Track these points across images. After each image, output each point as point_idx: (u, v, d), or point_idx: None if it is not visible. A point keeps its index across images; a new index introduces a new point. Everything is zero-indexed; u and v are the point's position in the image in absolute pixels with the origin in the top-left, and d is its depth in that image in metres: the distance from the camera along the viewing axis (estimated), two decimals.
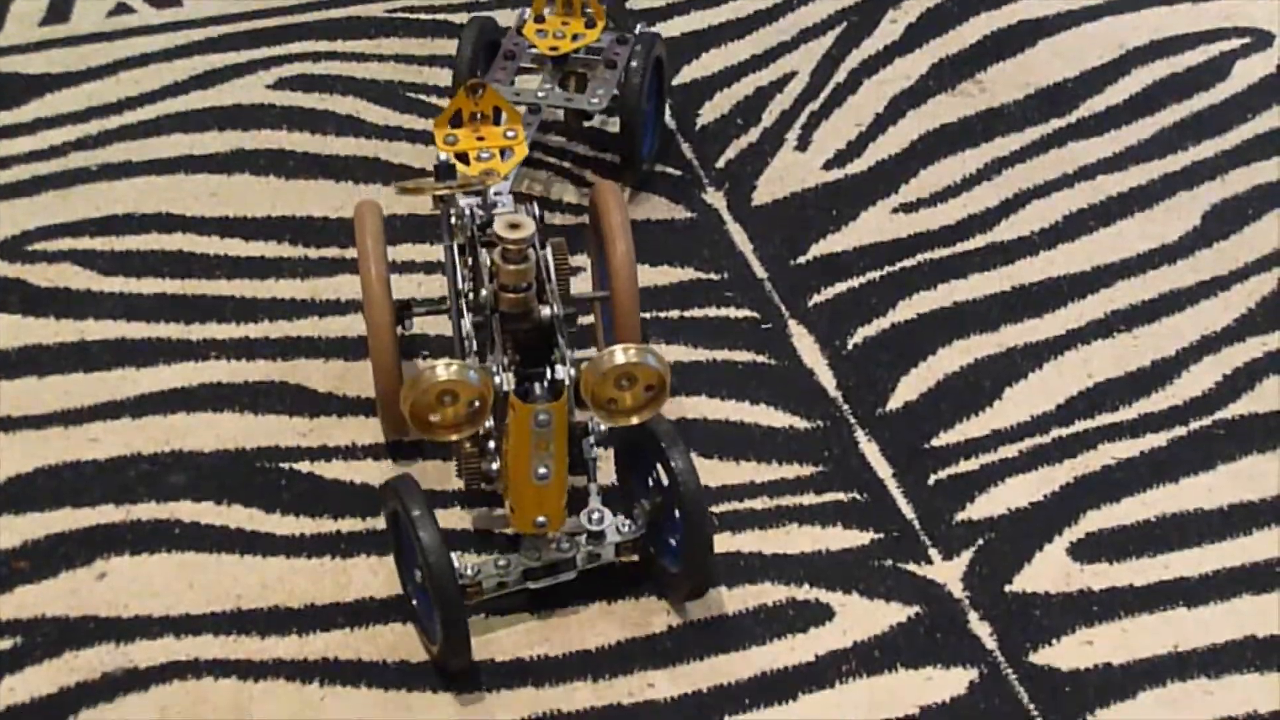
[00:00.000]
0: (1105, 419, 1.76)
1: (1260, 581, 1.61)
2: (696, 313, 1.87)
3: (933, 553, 1.63)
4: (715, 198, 2.04)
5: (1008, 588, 1.60)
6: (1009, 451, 1.73)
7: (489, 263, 1.51)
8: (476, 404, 1.41)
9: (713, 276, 1.92)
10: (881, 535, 1.65)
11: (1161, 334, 1.86)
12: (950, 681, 1.52)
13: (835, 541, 1.64)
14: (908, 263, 1.95)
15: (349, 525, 1.62)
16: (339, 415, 1.73)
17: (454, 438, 1.43)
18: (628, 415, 1.45)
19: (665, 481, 1.51)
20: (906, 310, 1.89)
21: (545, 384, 1.46)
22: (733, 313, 1.88)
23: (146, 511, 1.63)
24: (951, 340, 1.85)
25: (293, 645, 1.52)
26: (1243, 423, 1.76)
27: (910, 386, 1.80)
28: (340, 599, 1.56)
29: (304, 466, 1.68)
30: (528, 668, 1.51)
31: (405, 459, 1.68)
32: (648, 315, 1.82)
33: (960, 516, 1.67)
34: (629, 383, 1.43)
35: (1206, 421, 1.76)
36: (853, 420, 1.76)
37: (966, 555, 1.63)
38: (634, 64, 1.93)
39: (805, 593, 1.59)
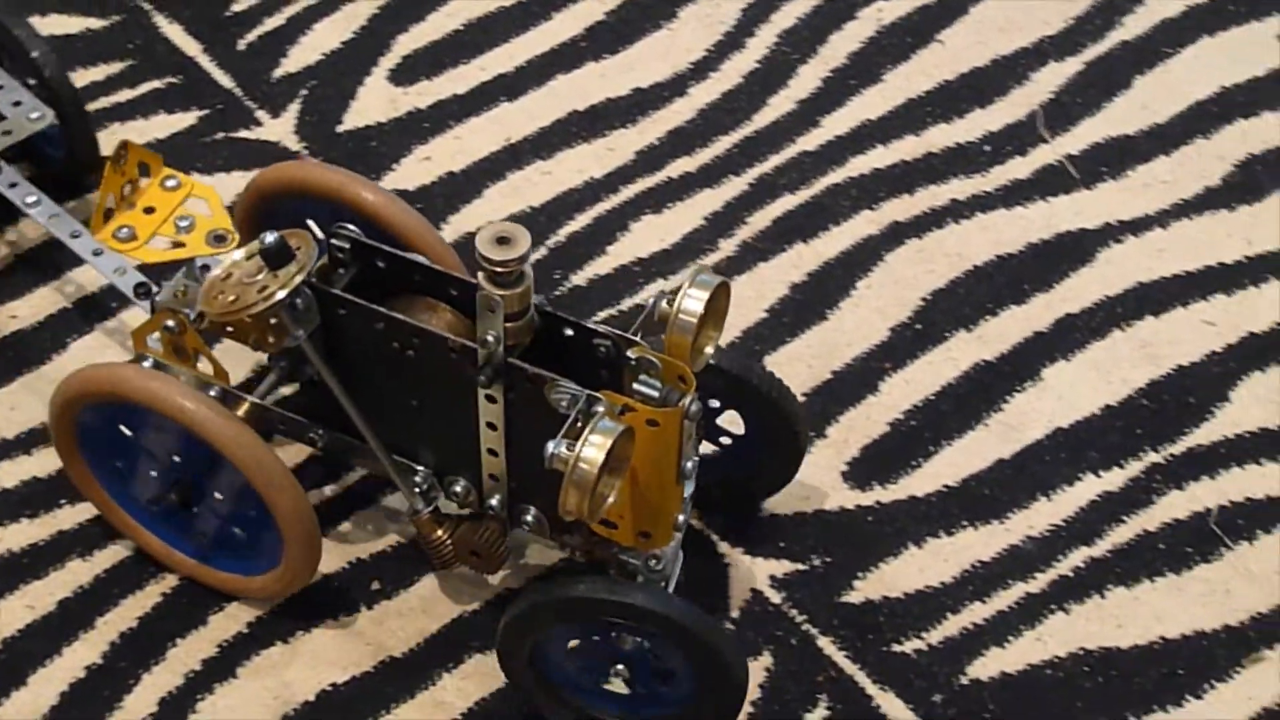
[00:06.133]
0: None
1: (567, 60, 1.69)
2: None
3: (260, 114, 1.64)
4: None
5: (339, 128, 1.62)
6: None
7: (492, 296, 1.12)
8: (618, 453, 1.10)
9: None
10: (207, 111, 1.64)
11: None
12: None
13: (162, 129, 1.61)
14: None
15: None
16: None
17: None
18: (702, 354, 1.17)
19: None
20: None
21: (650, 377, 1.14)
22: None
23: None
24: None
25: None
26: None
27: None
28: None
29: None
30: None
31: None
32: None
33: (278, 73, 1.67)
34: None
35: None
36: (148, 6, 1.71)
37: (293, 108, 1.64)
38: (34, 51, 1.47)
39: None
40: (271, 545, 1.26)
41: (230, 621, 1.30)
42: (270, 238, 1.16)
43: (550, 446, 1.07)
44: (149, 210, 1.34)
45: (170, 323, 1.26)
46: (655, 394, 1.13)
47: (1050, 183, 1.60)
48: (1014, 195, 1.59)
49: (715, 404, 1.31)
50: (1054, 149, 1.63)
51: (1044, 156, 1.62)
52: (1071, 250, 1.55)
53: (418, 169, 1.60)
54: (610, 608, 1.15)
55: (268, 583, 1.29)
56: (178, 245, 1.33)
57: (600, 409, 1.11)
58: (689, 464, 1.17)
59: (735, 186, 1.59)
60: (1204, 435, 1.42)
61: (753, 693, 1.27)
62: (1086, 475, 1.40)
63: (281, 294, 1.15)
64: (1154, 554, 1.35)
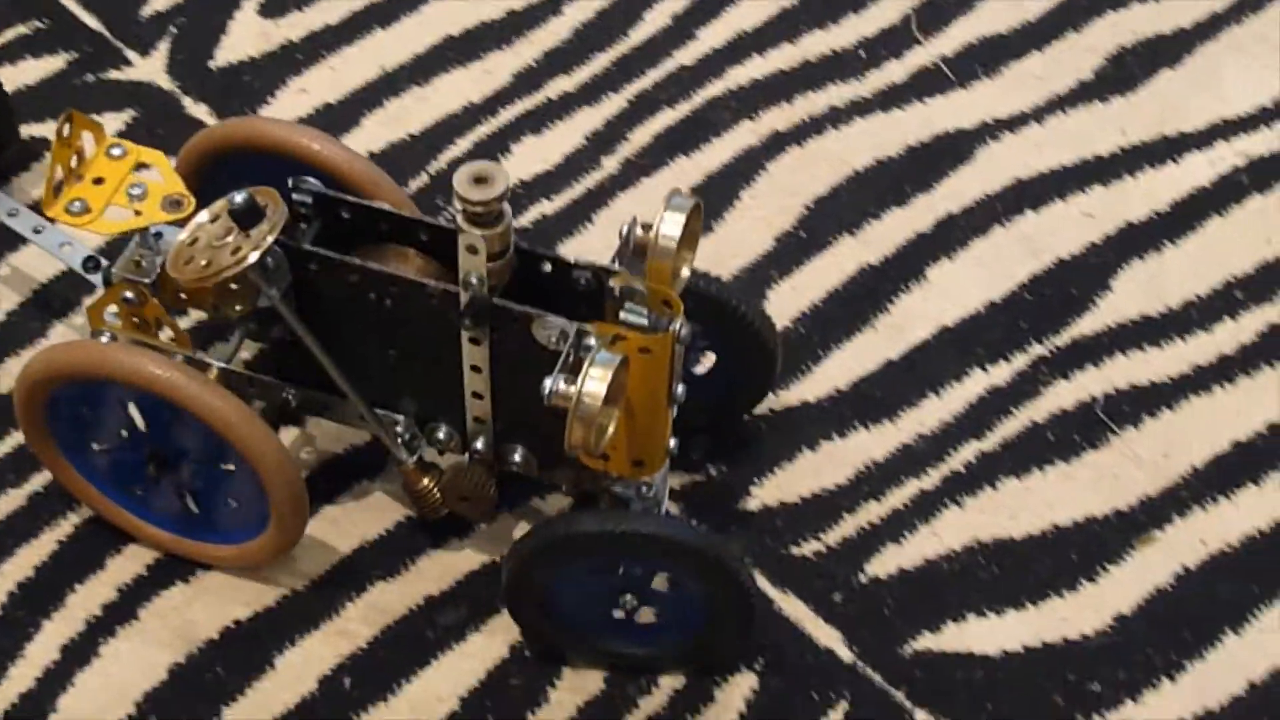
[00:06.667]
0: None
1: None
2: None
3: (130, 54, 1.61)
4: None
5: (211, 64, 1.61)
6: None
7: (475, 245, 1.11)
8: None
9: None
10: (75, 54, 1.61)
11: None
12: None
13: (31, 75, 1.59)
14: None
15: None
16: None
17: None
18: (680, 277, 1.14)
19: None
20: None
21: (636, 304, 1.13)
22: None
23: None
24: None
25: None
26: None
27: None
28: None
29: None
30: None
31: None
32: None
33: (145, 11, 1.64)
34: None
35: None
36: None
37: (163, 47, 1.62)
38: None
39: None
40: (256, 511, 1.24)
41: (129, 563, 1.29)
42: (239, 197, 1.12)
43: (549, 384, 1.07)
44: (98, 181, 1.29)
45: (129, 294, 1.24)
46: (644, 321, 1.12)
47: (926, 84, 1.61)
48: (891, 99, 1.60)
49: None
50: (928, 51, 1.64)
51: (919, 59, 1.63)
52: (950, 150, 1.56)
53: (294, 102, 1.58)
54: (619, 539, 1.15)
55: (255, 549, 1.26)
56: (135, 214, 1.28)
57: (592, 341, 1.10)
58: (679, 388, 1.17)
59: (615, 104, 1.59)
60: (1087, 325, 1.45)
61: None
62: (974, 370, 1.42)
63: (256, 255, 1.12)
64: (1043, 444, 1.38)
